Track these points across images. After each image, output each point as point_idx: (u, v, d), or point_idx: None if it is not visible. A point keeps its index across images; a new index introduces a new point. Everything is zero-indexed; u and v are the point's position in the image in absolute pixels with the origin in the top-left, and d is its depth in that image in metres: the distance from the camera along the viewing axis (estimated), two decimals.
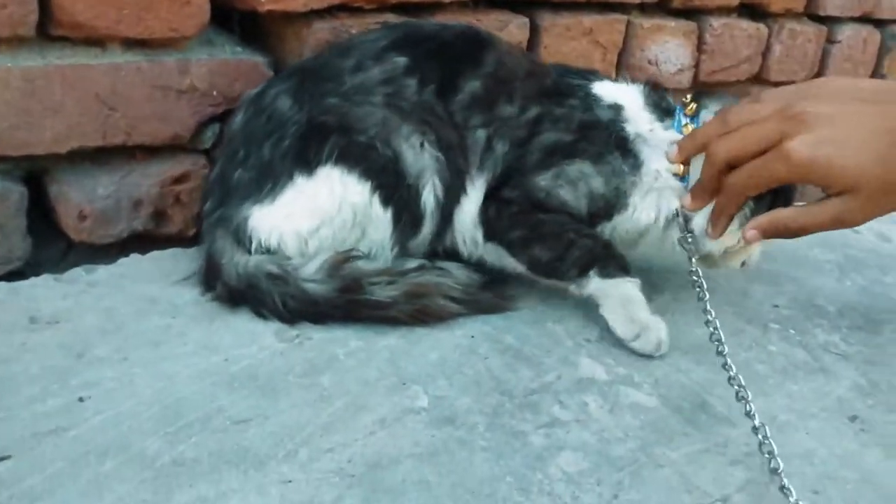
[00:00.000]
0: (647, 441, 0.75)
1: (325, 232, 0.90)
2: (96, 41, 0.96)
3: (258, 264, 0.89)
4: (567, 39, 1.25)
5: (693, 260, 0.91)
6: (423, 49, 0.94)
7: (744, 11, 1.45)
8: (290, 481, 0.66)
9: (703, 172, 0.88)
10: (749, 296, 1.05)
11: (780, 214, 0.86)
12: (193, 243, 1.00)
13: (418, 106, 0.92)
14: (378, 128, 0.90)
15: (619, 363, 0.87)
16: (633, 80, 1.01)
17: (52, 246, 1.00)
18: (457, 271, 0.94)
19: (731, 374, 0.77)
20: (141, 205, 1.01)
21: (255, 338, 0.85)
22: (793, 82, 1.53)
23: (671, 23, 1.35)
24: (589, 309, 0.97)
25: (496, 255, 0.97)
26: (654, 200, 0.95)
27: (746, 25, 1.44)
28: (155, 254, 1.00)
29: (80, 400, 0.73)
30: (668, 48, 1.36)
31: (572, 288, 0.94)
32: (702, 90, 1.43)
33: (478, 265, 0.98)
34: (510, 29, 1.18)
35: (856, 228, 1.30)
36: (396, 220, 0.91)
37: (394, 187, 0.90)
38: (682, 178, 0.93)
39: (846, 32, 1.58)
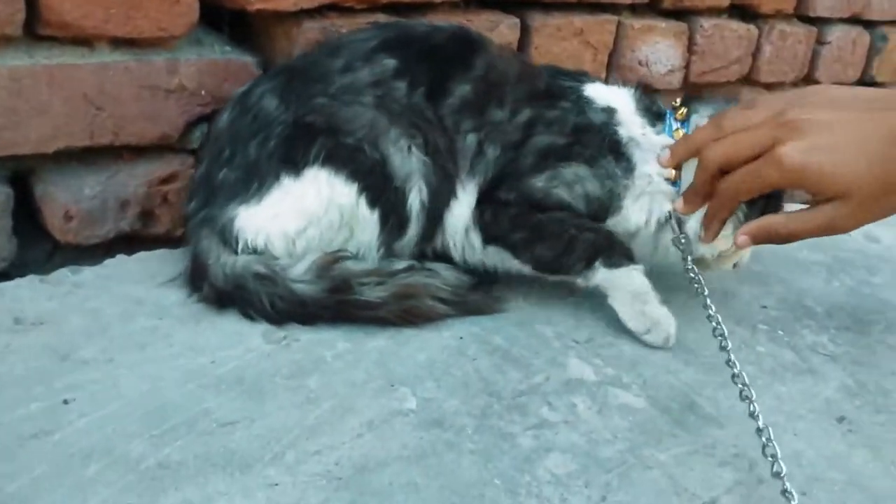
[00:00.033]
0: (636, 442, 0.75)
1: (312, 232, 0.90)
2: (84, 41, 0.95)
3: (246, 264, 0.88)
4: (558, 40, 1.25)
5: (689, 258, 0.91)
6: (413, 51, 0.93)
7: (734, 12, 1.45)
8: (276, 484, 0.65)
9: (696, 177, 0.89)
10: (737, 297, 1.05)
11: (771, 220, 0.86)
12: (181, 244, 1.00)
13: (408, 109, 0.91)
14: (366, 130, 0.89)
15: (607, 364, 0.87)
16: (624, 83, 1.02)
17: (37, 247, 0.99)
18: (445, 272, 0.94)
19: (735, 371, 0.77)
20: (128, 205, 1.01)
21: (241, 339, 0.84)
22: (783, 83, 1.55)
23: (662, 23, 1.35)
24: (578, 310, 0.97)
25: (499, 258, 0.96)
26: (645, 204, 0.95)
27: (737, 26, 1.44)
28: (141, 255, 0.99)
29: (65, 402, 0.73)
30: (659, 49, 1.36)
31: (579, 281, 0.94)
32: (692, 91, 1.43)
33: (469, 267, 0.97)
34: (501, 29, 1.18)
35: None
36: (383, 221, 0.91)
37: (381, 189, 0.90)
38: (674, 182, 0.94)
39: (836, 33, 1.58)
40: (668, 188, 0.94)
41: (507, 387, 0.81)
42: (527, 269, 0.96)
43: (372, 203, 0.90)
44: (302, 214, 0.89)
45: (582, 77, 1.01)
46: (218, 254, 0.89)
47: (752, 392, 0.74)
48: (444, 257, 0.98)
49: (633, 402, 0.81)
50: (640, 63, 1.35)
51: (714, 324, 0.83)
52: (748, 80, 1.52)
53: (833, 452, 0.76)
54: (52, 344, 0.81)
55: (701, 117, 0.94)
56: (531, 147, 0.94)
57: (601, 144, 0.95)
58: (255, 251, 0.89)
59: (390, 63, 0.92)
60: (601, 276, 0.93)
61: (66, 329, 0.84)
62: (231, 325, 0.87)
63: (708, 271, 0.98)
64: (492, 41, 1.01)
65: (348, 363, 0.82)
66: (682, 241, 0.93)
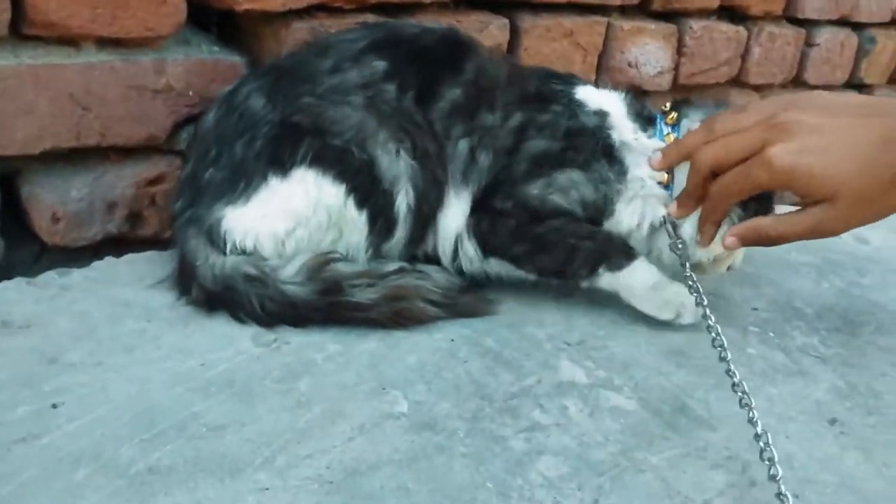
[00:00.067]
0: (628, 445, 0.75)
1: (301, 233, 0.89)
2: (70, 40, 0.94)
3: (235, 265, 0.88)
4: (547, 41, 1.24)
5: (687, 266, 0.91)
6: (402, 52, 0.93)
7: (723, 14, 1.46)
8: (267, 489, 0.65)
9: (689, 180, 0.89)
10: (728, 299, 1.05)
11: (760, 222, 0.87)
12: (170, 246, 0.99)
13: (397, 112, 0.91)
14: (354, 131, 0.89)
15: (599, 366, 0.87)
16: (613, 86, 1.02)
17: (24, 249, 0.99)
18: (436, 274, 0.94)
19: (735, 380, 0.77)
20: (115, 207, 1.00)
21: (231, 342, 0.84)
22: (771, 85, 1.56)
23: (651, 25, 1.35)
24: (570, 312, 0.97)
25: (502, 268, 0.97)
26: (638, 207, 0.95)
27: (726, 28, 1.44)
28: (129, 257, 0.99)
29: (53, 406, 0.72)
30: (648, 50, 1.36)
31: (584, 284, 0.95)
32: (681, 93, 1.43)
33: (462, 274, 0.97)
34: (490, 30, 1.18)
35: None
36: (372, 223, 0.91)
37: (369, 191, 0.89)
38: (667, 186, 0.94)
39: (824, 35, 1.59)
40: (661, 192, 0.94)
41: (499, 389, 0.81)
42: (531, 277, 0.97)
43: (360, 204, 0.89)
44: (290, 215, 0.88)
45: (572, 80, 1.01)
46: (206, 254, 0.88)
47: (752, 400, 0.74)
48: (436, 260, 0.97)
49: (624, 405, 0.81)
50: (629, 65, 1.35)
51: (714, 335, 0.82)
52: (737, 81, 1.52)
53: (825, 454, 0.76)
54: (40, 347, 0.80)
55: (691, 122, 0.95)
56: (524, 153, 0.94)
57: (594, 148, 0.94)
58: (243, 252, 0.89)
59: (380, 65, 0.91)
60: (606, 280, 0.94)
61: (53, 332, 0.83)
62: (220, 328, 0.86)
63: (703, 275, 0.98)
64: (481, 43, 1.00)
65: (339, 366, 0.82)
66: (680, 246, 0.93)
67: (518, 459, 0.71)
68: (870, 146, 0.79)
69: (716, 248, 0.93)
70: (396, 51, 0.93)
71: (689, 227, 0.93)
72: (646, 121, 0.97)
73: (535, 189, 0.93)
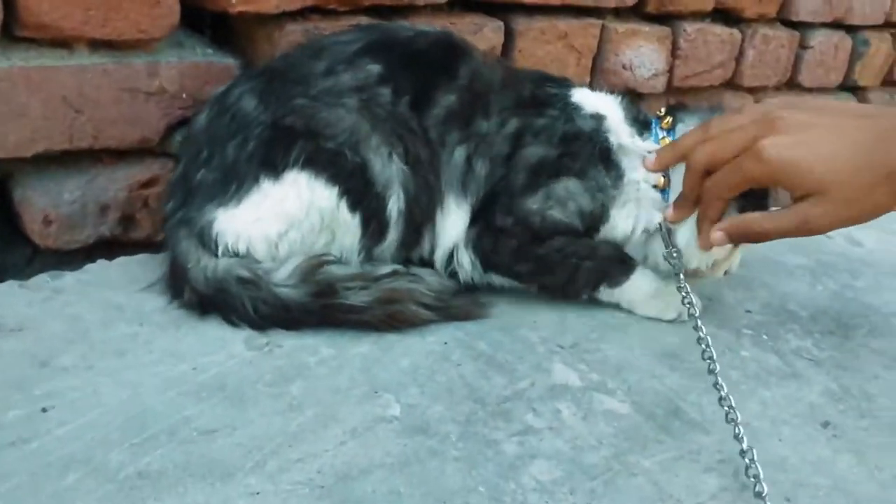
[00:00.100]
0: (621, 449, 0.75)
1: (293, 235, 0.89)
2: (62, 42, 0.94)
3: (228, 268, 0.87)
4: (542, 43, 1.24)
5: (681, 276, 0.91)
6: (396, 56, 0.93)
7: (717, 17, 1.46)
8: (258, 493, 0.64)
9: (685, 180, 0.89)
10: (721, 301, 1.05)
11: (747, 217, 0.87)
12: (163, 249, 0.98)
13: (391, 117, 0.90)
14: (347, 134, 0.88)
15: (592, 369, 0.87)
16: (608, 89, 1.02)
17: (16, 252, 0.98)
18: (429, 278, 0.93)
19: (722, 394, 0.77)
20: (108, 209, 1.00)
21: (223, 346, 0.84)
22: (766, 87, 1.56)
23: (645, 27, 1.36)
24: (563, 315, 0.97)
25: (502, 281, 0.98)
26: (632, 211, 0.96)
27: (720, 31, 1.45)
28: (122, 260, 0.98)
29: (44, 410, 0.71)
30: (643, 53, 1.36)
31: (584, 297, 0.98)
32: (676, 95, 1.43)
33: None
34: (485, 32, 1.18)
35: (827, 233, 1.32)
36: (365, 226, 0.90)
37: (362, 193, 0.89)
38: (663, 190, 0.94)
39: (818, 38, 1.59)
40: (656, 195, 0.94)
41: (492, 393, 0.81)
42: (532, 290, 0.98)
43: (353, 207, 0.89)
44: (283, 218, 0.88)
45: (567, 83, 1.01)
46: (198, 257, 0.88)
47: (738, 415, 0.75)
48: (431, 265, 0.97)
49: (617, 408, 0.81)
50: (624, 67, 1.35)
51: (704, 346, 0.83)
52: (731, 84, 1.52)
53: (818, 458, 0.76)
54: (31, 350, 0.80)
55: (686, 126, 0.95)
56: (522, 162, 0.94)
57: (591, 153, 0.95)
58: (236, 254, 0.89)
59: (374, 68, 0.91)
60: (606, 295, 0.98)
61: (45, 335, 0.82)
62: (212, 331, 0.86)
63: (701, 280, 0.98)
64: (475, 47, 1.00)
65: (332, 369, 0.82)
66: (675, 255, 0.93)
67: (511, 463, 0.71)
68: (861, 143, 0.80)
69: (714, 252, 0.93)
70: (390, 54, 0.92)
71: (683, 235, 0.93)
72: (642, 125, 0.97)
73: (534, 204, 0.94)
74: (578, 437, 0.76)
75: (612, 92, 1.01)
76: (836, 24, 1.62)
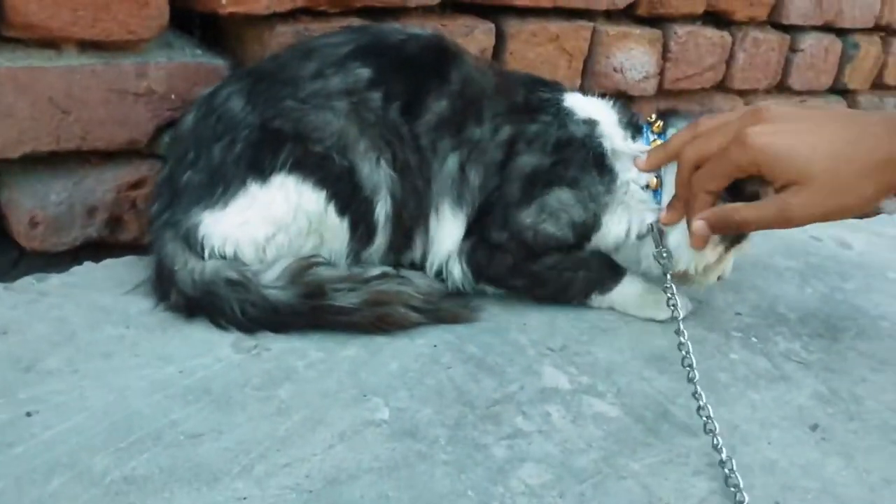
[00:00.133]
0: (610, 452, 0.75)
1: (281, 239, 0.89)
2: (50, 43, 0.93)
3: (216, 270, 0.87)
4: (533, 46, 1.24)
5: (668, 276, 0.91)
6: (387, 60, 0.92)
7: (708, 19, 1.46)
8: (245, 498, 0.64)
9: (676, 179, 0.90)
10: (711, 304, 1.05)
11: (728, 207, 0.87)
12: (149, 250, 0.98)
13: (381, 122, 0.90)
14: (335, 138, 0.88)
15: (581, 372, 0.86)
16: (599, 91, 1.02)
17: (2, 254, 0.97)
18: (419, 280, 0.93)
19: (701, 403, 0.78)
20: (95, 211, 0.99)
21: (210, 348, 0.83)
22: (756, 90, 1.56)
23: (636, 30, 1.36)
24: (553, 317, 0.96)
25: (494, 290, 0.99)
26: (624, 215, 0.96)
27: (711, 33, 1.45)
28: (108, 262, 0.98)
29: (28, 414, 0.71)
30: (634, 55, 1.36)
31: (575, 303, 1.00)
32: (666, 98, 1.43)
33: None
34: (476, 35, 1.17)
35: (817, 236, 1.32)
36: (353, 229, 0.90)
37: (350, 197, 0.89)
38: (655, 191, 0.94)
39: (808, 41, 1.60)
40: (648, 197, 0.94)
41: (482, 396, 0.80)
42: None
43: (341, 211, 0.89)
44: (270, 221, 0.88)
45: (560, 88, 1.01)
46: (184, 259, 0.88)
47: (716, 425, 0.76)
48: (423, 269, 0.97)
49: (607, 411, 0.81)
50: (614, 70, 1.35)
51: (684, 352, 0.84)
52: (722, 87, 1.53)
53: (807, 461, 0.76)
54: (16, 353, 0.79)
55: (677, 130, 0.95)
56: (516, 172, 0.94)
57: (585, 159, 0.95)
58: (223, 257, 0.88)
59: (364, 72, 0.90)
60: (597, 302, 1.00)
61: (30, 338, 0.82)
62: (200, 334, 0.85)
63: (693, 286, 0.99)
64: (467, 50, 0.99)
65: (320, 373, 0.81)
66: (664, 255, 0.93)
67: (500, 467, 0.71)
68: (846, 134, 0.80)
69: (705, 255, 0.93)
70: (381, 58, 0.92)
71: (675, 236, 0.93)
72: (634, 129, 0.97)
73: (528, 217, 0.94)
74: (568, 441, 0.75)
75: (603, 95, 1.01)
76: (827, 28, 1.62)
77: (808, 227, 1.35)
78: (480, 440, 0.74)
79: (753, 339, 0.97)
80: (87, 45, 0.95)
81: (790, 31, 1.57)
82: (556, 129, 0.95)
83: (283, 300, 0.86)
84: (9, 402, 0.72)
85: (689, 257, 0.94)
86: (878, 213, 1.54)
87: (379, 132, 0.89)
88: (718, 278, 0.99)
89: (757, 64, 1.54)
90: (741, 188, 0.87)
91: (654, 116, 0.98)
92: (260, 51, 1.03)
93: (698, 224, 0.88)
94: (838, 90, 1.72)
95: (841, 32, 1.66)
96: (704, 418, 0.77)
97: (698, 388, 0.79)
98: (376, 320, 0.88)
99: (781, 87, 1.61)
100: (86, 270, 0.96)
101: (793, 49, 1.59)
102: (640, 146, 0.95)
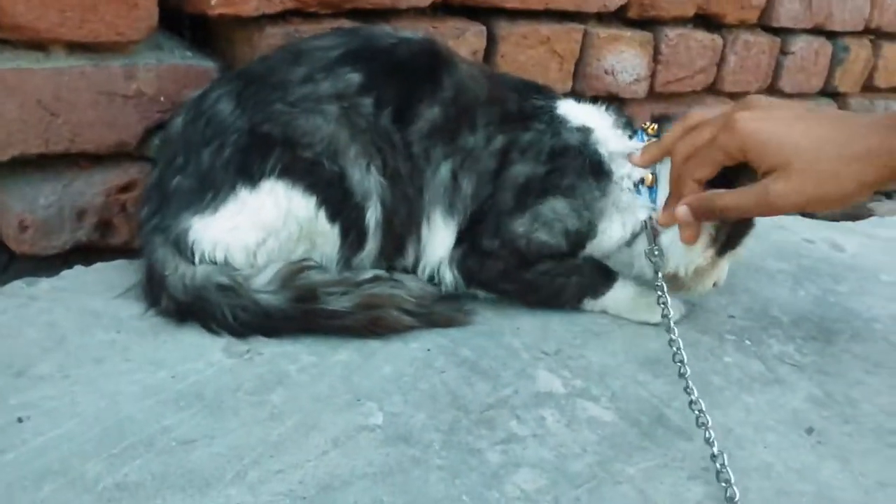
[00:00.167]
0: (605, 456, 0.74)
1: (272, 244, 0.88)
2: (38, 44, 0.93)
3: (207, 275, 0.86)
4: (524, 48, 1.24)
5: (660, 275, 0.91)
6: (378, 65, 0.91)
7: (699, 22, 1.46)
8: None
9: (670, 173, 0.91)
10: (704, 306, 1.05)
11: (710, 192, 0.88)
12: (139, 254, 0.97)
13: (371, 129, 0.89)
14: (325, 144, 0.87)
15: (576, 376, 0.86)
16: (591, 97, 1.02)
17: None
18: (411, 283, 0.93)
19: (693, 398, 0.78)
20: (85, 214, 0.98)
21: (202, 353, 0.82)
22: (747, 93, 1.57)
23: (627, 33, 1.36)
24: (546, 321, 0.96)
25: (486, 293, 0.99)
26: (619, 218, 0.95)
27: (701, 36, 1.45)
28: (99, 266, 0.97)
29: (19, 420, 0.70)
30: (625, 58, 1.36)
31: (568, 307, 0.99)
32: (657, 100, 1.44)
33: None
34: (467, 37, 1.17)
35: (809, 238, 1.32)
36: (344, 235, 0.90)
37: (340, 203, 0.88)
38: (651, 187, 0.94)
39: (799, 44, 1.60)
40: (643, 198, 0.94)
41: (476, 400, 0.80)
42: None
43: (332, 217, 0.88)
44: (260, 227, 0.87)
45: (552, 94, 1.00)
46: (175, 264, 0.87)
47: (709, 419, 0.76)
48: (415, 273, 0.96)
49: (602, 415, 0.80)
50: (606, 72, 1.35)
51: (675, 349, 0.84)
52: (713, 89, 1.53)
53: (802, 464, 0.76)
54: (7, 359, 0.78)
55: None
56: (509, 181, 0.94)
57: (581, 166, 0.94)
58: (213, 262, 0.87)
59: (355, 77, 0.89)
60: (590, 306, 0.99)
61: (21, 343, 0.81)
62: (191, 339, 0.85)
63: (689, 293, 0.99)
64: (458, 55, 0.99)
65: (313, 377, 0.81)
66: (656, 253, 0.93)
67: (494, 472, 0.70)
68: (830, 125, 0.81)
69: (696, 256, 0.93)
70: (372, 63, 0.91)
71: (668, 235, 0.93)
72: (630, 129, 0.98)
73: (521, 226, 0.94)
74: (563, 445, 0.75)
75: (595, 100, 1.01)
76: (817, 31, 1.63)
77: (800, 229, 1.36)
78: (475, 445, 0.74)
79: (747, 342, 0.97)
80: (75, 47, 0.94)
81: (780, 34, 1.58)
82: (549, 137, 0.95)
83: (275, 304, 0.86)
84: (0, 408, 0.71)
85: (680, 256, 0.93)
86: (870, 216, 1.54)
87: (370, 138, 0.89)
88: (714, 285, 0.99)
89: (748, 66, 1.54)
90: (732, 182, 0.87)
91: (647, 123, 0.98)
92: (250, 52, 1.03)
93: (681, 210, 0.88)
94: (829, 93, 1.73)
95: (831, 35, 1.66)
96: (697, 412, 0.77)
97: (690, 382, 0.79)
98: (369, 324, 0.88)
99: (772, 90, 1.62)
100: (76, 274, 0.95)
101: (783, 52, 1.59)
102: (635, 144, 0.96)
